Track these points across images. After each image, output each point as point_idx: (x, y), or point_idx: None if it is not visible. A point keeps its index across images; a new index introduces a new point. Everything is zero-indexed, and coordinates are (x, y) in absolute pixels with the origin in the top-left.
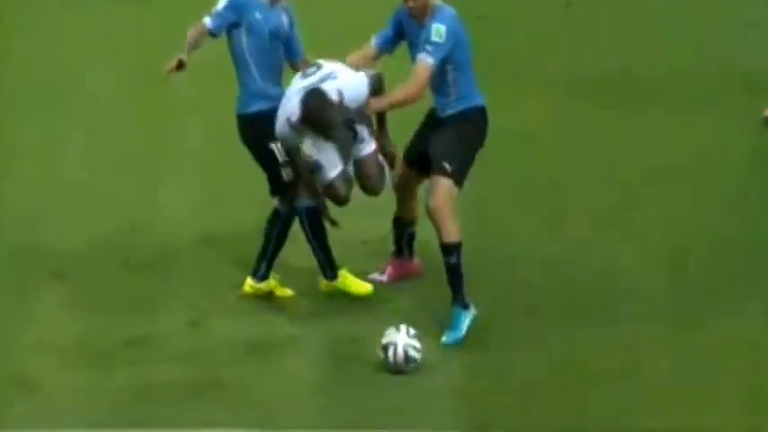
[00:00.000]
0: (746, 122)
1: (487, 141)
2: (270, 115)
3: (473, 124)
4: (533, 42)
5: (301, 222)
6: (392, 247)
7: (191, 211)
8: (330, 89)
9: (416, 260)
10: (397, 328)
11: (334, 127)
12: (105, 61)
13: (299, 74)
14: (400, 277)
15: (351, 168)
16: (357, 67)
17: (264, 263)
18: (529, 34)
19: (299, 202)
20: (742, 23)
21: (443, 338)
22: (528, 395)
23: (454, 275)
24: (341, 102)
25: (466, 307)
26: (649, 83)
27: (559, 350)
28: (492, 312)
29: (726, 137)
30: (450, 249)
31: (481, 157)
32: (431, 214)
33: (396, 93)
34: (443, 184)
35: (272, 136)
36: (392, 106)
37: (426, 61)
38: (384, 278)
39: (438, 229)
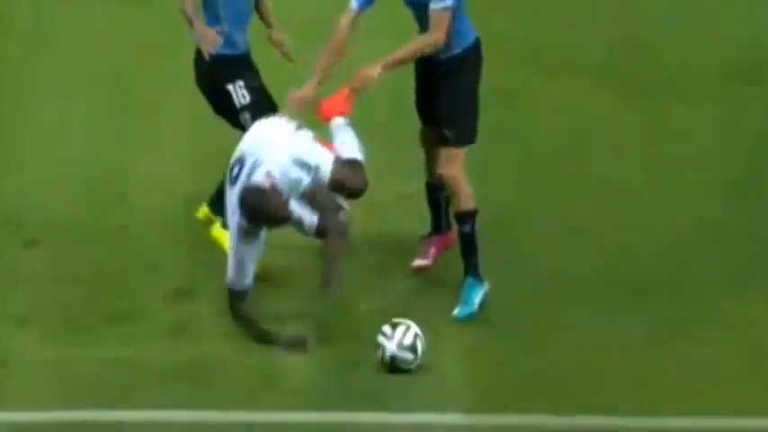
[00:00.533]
0: (749, 114)
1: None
2: (229, 61)
3: (470, 67)
4: (532, 22)
5: None
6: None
7: (174, 181)
8: (259, 178)
9: (454, 229)
10: (414, 352)
11: (281, 208)
12: (105, 58)
13: (226, 179)
14: (443, 252)
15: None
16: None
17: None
18: (527, 12)
19: None
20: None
21: (454, 312)
22: (534, 379)
23: (468, 245)
24: (274, 185)
25: (480, 280)
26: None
27: (566, 335)
28: (497, 295)
29: (727, 127)
30: (464, 217)
31: (482, 149)
32: (445, 182)
33: (414, 43)
34: (448, 153)
35: (228, 79)
36: (406, 59)
37: (446, 3)
38: (429, 261)
39: (453, 197)
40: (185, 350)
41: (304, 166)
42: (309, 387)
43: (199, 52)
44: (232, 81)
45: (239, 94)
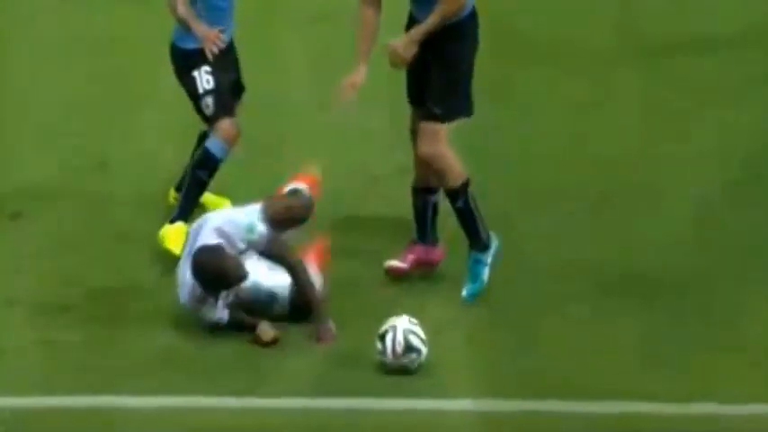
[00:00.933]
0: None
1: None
2: (202, 52)
3: (467, 38)
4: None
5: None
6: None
7: (161, 150)
8: (207, 236)
9: (440, 247)
10: (414, 350)
11: (238, 267)
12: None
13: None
14: (422, 265)
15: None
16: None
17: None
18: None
19: (209, 140)
20: None
21: (463, 293)
22: (534, 377)
23: (467, 219)
24: (226, 241)
25: (485, 250)
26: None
27: (566, 333)
28: (498, 292)
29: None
30: (456, 194)
31: (482, 146)
32: (428, 162)
33: (438, 13)
34: (434, 130)
35: (196, 65)
36: (431, 31)
37: None
38: (405, 266)
39: (440, 176)
40: (174, 335)
41: (249, 210)
42: (307, 374)
43: (174, 44)
44: (198, 67)
45: (203, 79)
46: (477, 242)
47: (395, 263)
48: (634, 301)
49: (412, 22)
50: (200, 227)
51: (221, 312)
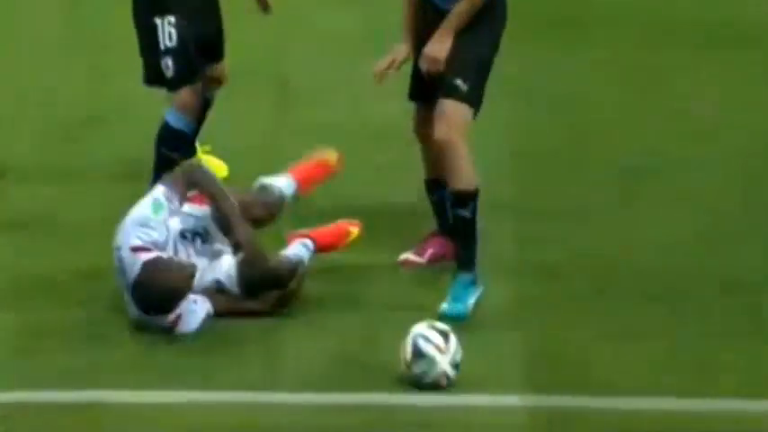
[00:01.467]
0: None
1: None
2: None
3: (493, 20)
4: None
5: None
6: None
7: (150, 106)
8: (132, 258)
9: None
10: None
11: (181, 269)
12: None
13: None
14: (441, 259)
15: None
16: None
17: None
18: None
19: (167, 111)
20: None
21: (444, 306)
22: (545, 360)
23: (466, 233)
24: (152, 245)
25: (474, 280)
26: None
27: (565, 332)
28: (498, 289)
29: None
30: (463, 199)
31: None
32: (443, 149)
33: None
34: (457, 110)
35: (159, 11)
36: (463, 21)
37: None
38: (422, 260)
39: (450, 170)
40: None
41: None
42: (315, 368)
43: None
44: (162, 14)
45: (165, 32)
46: (468, 263)
47: (411, 257)
48: (635, 299)
49: (429, 7)
50: (118, 251)
51: (202, 307)
